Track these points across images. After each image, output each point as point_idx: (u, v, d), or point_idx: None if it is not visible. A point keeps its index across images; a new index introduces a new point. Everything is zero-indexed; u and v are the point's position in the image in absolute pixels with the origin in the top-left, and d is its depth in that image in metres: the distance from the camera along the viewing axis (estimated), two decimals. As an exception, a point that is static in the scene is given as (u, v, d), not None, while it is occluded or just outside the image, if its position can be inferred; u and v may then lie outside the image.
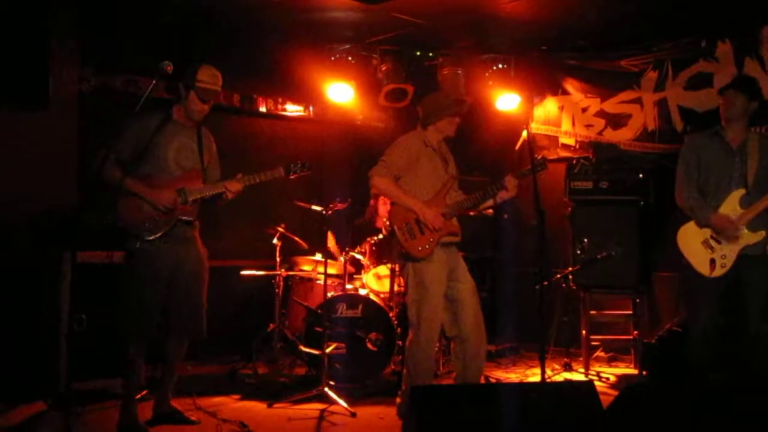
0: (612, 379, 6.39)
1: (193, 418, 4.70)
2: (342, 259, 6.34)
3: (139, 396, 4.93)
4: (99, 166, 4.20)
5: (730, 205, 4.81)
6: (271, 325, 6.39)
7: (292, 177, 4.82)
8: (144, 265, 4.36)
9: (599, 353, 7.03)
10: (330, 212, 5.83)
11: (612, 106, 7.47)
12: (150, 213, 4.35)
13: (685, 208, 5.03)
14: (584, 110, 7.69)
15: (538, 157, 5.71)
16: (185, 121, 4.57)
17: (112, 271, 5.27)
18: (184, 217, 4.46)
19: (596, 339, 6.89)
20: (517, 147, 8.00)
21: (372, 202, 6.93)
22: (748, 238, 4.74)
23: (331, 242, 6.62)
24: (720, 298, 4.82)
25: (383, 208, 6.70)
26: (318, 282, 6.39)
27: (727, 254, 4.77)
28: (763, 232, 4.72)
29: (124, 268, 4.55)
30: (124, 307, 4.46)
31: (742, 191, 4.78)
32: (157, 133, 4.37)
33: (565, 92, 7.84)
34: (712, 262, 4.79)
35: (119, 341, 4.55)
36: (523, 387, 4.26)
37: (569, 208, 6.91)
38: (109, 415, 4.88)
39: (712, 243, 4.82)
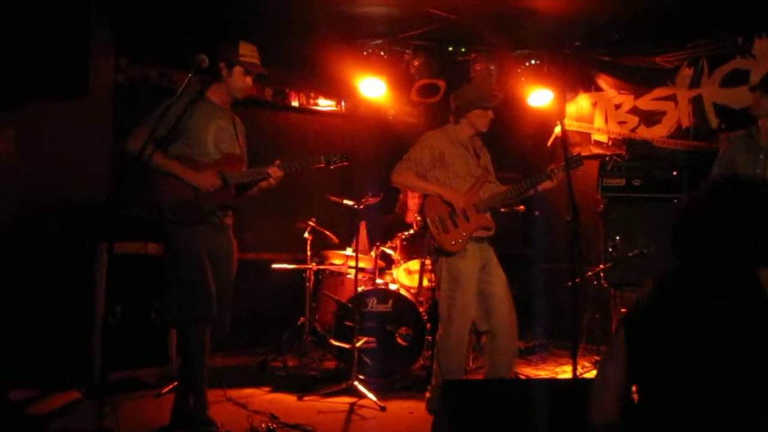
0: (643, 377, 6.32)
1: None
2: (372, 253, 6.35)
3: (170, 388, 4.99)
4: (142, 150, 3.96)
5: None
6: (301, 318, 6.42)
7: (332, 167, 4.68)
8: (186, 245, 4.19)
9: (630, 352, 6.96)
10: (362, 207, 5.85)
11: (646, 102, 7.41)
12: (190, 196, 4.20)
13: None
14: (617, 107, 7.64)
15: (573, 153, 5.67)
16: (223, 103, 4.46)
17: (146, 262, 5.31)
18: (223, 202, 4.34)
19: (627, 337, 6.82)
20: (550, 143, 7.95)
21: (401, 196, 6.94)
22: None
23: (363, 235, 6.64)
24: None
25: (412, 201, 6.72)
26: (348, 276, 6.41)
27: None
28: None
29: (166, 252, 4.35)
30: (176, 289, 4.24)
31: None
32: (193, 114, 4.25)
33: (598, 88, 7.79)
34: None
35: (178, 326, 4.43)
36: (556, 383, 4.24)
37: (601, 206, 6.85)
38: (143, 404, 4.96)
39: None
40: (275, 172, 4.42)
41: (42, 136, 5.54)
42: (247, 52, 4.43)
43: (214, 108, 4.41)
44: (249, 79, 4.46)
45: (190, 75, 4.05)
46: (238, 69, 4.39)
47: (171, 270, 4.29)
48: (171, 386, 4.95)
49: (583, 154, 7.55)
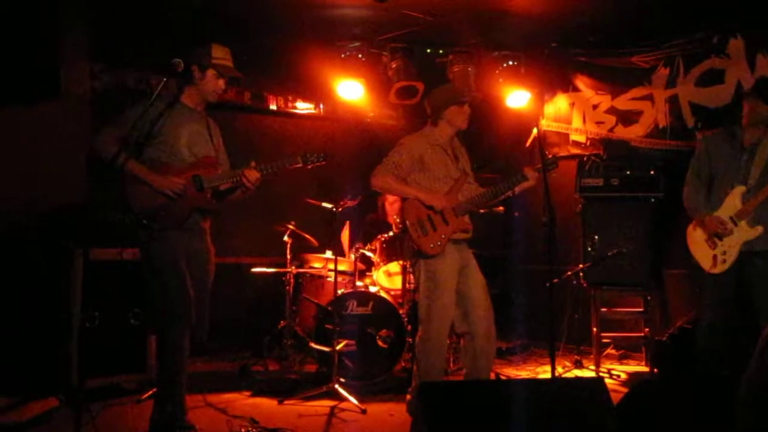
0: (623, 376, 6.37)
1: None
2: (352, 256, 6.35)
3: (150, 394, 4.96)
4: (117, 155, 3.99)
5: (731, 203, 4.83)
6: (282, 322, 6.41)
7: (309, 167, 4.63)
8: (162, 250, 4.16)
9: (610, 351, 7.02)
10: (340, 209, 5.84)
11: (623, 102, 7.44)
12: (165, 201, 4.16)
13: (687, 208, 5.07)
14: (595, 107, 7.67)
15: (549, 155, 5.68)
16: (196, 106, 4.43)
17: (123, 268, 5.29)
18: (199, 205, 4.31)
19: (607, 336, 6.86)
20: (528, 144, 7.98)
21: (380, 200, 6.94)
22: (746, 233, 4.74)
23: (345, 235, 6.63)
24: (728, 294, 4.81)
25: (390, 207, 6.73)
26: (328, 279, 6.40)
27: (728, 250, 4.79)
28: (761, 228, 4.70)
29: (143, 258, 4.29)
30: (154, 295, 4.21)
31: (743, 188, 4.79)
32: (167, 118, 4.20)
33: (576, 89, 7.81)
34: (714, 258, 4.82)
35: (157, 332, 4.37)
36: (532, 383, 4.25)
37: (580, 205, 6.88)
38: (123, 411, 4.93)
39: (715, 239, 4.84)
40: (251, 173, 4.37)
41: (15, 141, 5.50)
42: (220, 54, 4.41)
43: (187, 111, 4.40)
44: (222, 82, 4.44)
45: (164, 80, 4.03)
46: (210, 72, 4.37)
47: (149, 276, 4.25)
48: (151, 392, 4.92)
49: (561, 154, 7.63)
